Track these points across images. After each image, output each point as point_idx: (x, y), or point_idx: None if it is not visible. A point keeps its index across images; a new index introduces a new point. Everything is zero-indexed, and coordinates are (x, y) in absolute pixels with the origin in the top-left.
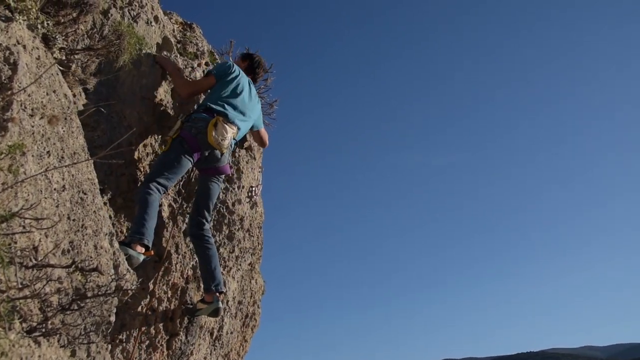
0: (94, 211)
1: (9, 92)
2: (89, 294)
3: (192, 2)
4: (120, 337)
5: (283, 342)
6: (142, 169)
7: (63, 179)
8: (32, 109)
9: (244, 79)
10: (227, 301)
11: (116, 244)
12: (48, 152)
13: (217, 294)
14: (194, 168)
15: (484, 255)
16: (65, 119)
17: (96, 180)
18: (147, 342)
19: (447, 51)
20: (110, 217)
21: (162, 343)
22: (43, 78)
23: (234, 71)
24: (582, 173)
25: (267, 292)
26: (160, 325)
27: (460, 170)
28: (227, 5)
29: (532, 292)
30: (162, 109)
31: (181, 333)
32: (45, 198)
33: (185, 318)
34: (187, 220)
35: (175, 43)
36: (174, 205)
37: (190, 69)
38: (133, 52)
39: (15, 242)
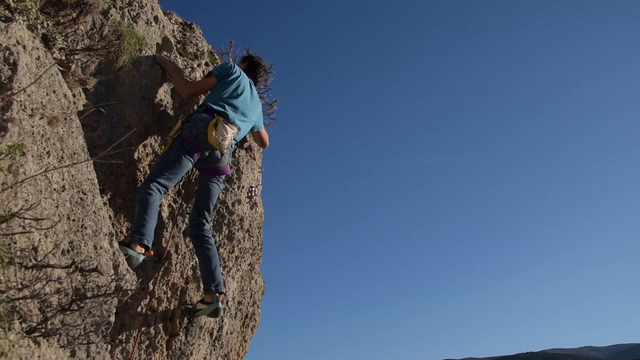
0: (94, 211)
1: (9, 93)
2: (89, 294)
3: (192, 2)
4: (120, 337)
5: (283, 342)
6: (142, 169)
7: (63, 179)
8: (32, 109)
9: (245, 80)
10: (227, 301)
11: (116, 244)
12: (48, 152)
13: (217, 294)
14: (194, 168)
15: (484, 255)
16: (65, 119)
17: (96, 181)
18: (147, 342)
19: (450, 51)
20: (110, 217)
21: (162, 343)
22: (43, 78)
23: (235, 72)
24: (583, 173)
25: (267, 293)
26: (160, 326)
27: (460, 170)
28: (227, 5)
29: (532, 293)
30: (162, 109)
31: (181, 333)
32: (45, 198)
33: (185, 318)
34: (187, 220)
35: (175, 43)
36: (174, 206)
37: (190, 69)
38: (133, 53)
39: (15, 242)
